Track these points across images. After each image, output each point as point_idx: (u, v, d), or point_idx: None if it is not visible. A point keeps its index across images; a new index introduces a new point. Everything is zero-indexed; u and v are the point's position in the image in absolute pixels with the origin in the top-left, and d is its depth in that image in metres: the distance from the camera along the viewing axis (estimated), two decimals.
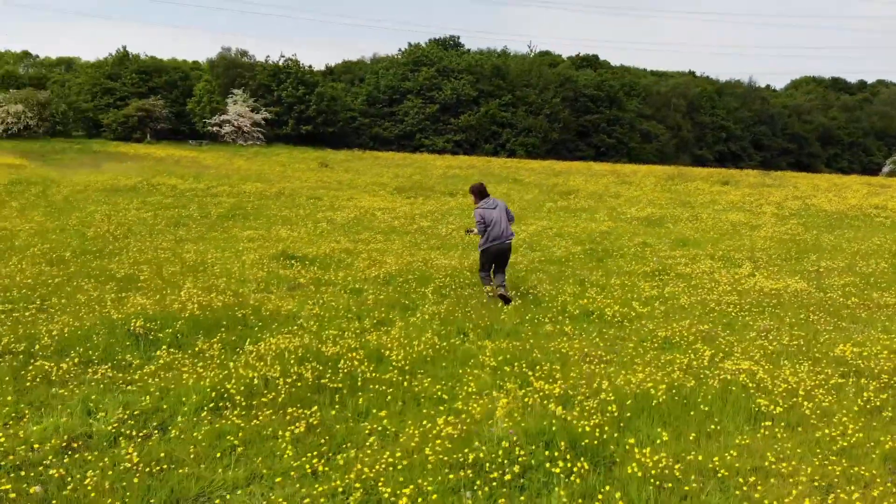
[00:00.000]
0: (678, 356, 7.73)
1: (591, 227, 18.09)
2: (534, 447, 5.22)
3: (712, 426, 5.83)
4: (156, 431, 5.70)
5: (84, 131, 55.05)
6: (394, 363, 7.05)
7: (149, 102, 53.78)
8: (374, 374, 6.78)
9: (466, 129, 59.62)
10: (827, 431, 5.76)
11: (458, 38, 75.89)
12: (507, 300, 9.69)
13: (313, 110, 55.39)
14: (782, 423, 5.93)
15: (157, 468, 4.97)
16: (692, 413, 6.06)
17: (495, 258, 10.03)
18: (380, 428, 5.78)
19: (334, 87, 61.70)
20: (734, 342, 8.42)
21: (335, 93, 59.92)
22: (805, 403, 6.28)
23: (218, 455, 5.23)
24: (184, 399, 6.17)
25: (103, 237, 13.15)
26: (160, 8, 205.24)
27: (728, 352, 8.01)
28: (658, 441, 5.45)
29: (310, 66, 59.23)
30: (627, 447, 5.30)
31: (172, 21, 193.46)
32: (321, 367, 6.81)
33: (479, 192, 10.36)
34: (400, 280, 10.80)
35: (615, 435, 5.52)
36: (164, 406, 6.10)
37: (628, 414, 5.91)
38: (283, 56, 58.84)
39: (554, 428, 5.44)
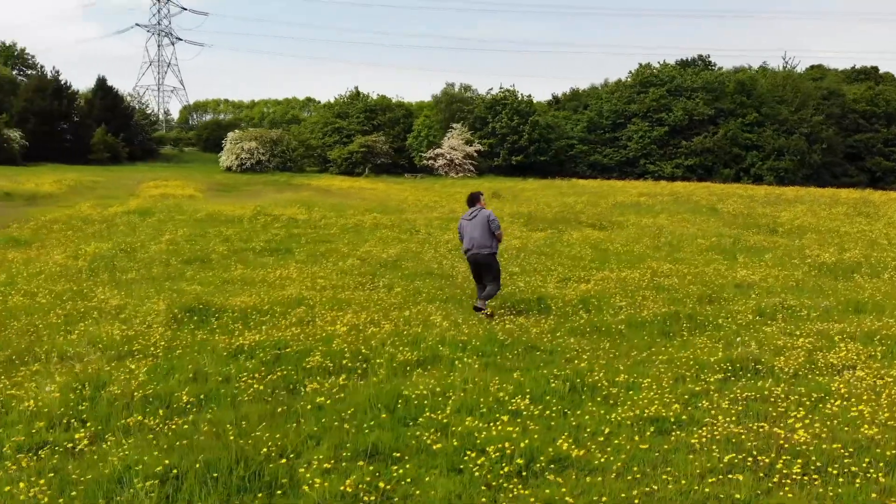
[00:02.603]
0: None
1: (732, 276, 12.64)
2: None
3: None
4: None
5: (317, 166, 58.15)
6: None
7: (371, 139, 55.22)
8: None
9: (701, 153, 52.41)
10: None
11: (708, 56, 67.75)
12: (478, 309, 9.39)
13: (525, 140, 52.59)
14: None
15: None
16: None
17: (473, 269, 9.84)
18: None
19: (556, 115, 58.48)
20: None
21: (556, 121, 56.68)
22: None
23: None
24: None
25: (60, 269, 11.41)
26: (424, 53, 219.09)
27: None
28: None
29: (528, 96, 56.66)
30: None
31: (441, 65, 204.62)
32: None
33: (468, 202, 10.08)
34: (264, 352, 7.23)
35: None
36: None
37: None
38: (502, 87, 57.07)
39: None
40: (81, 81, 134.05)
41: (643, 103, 54.76)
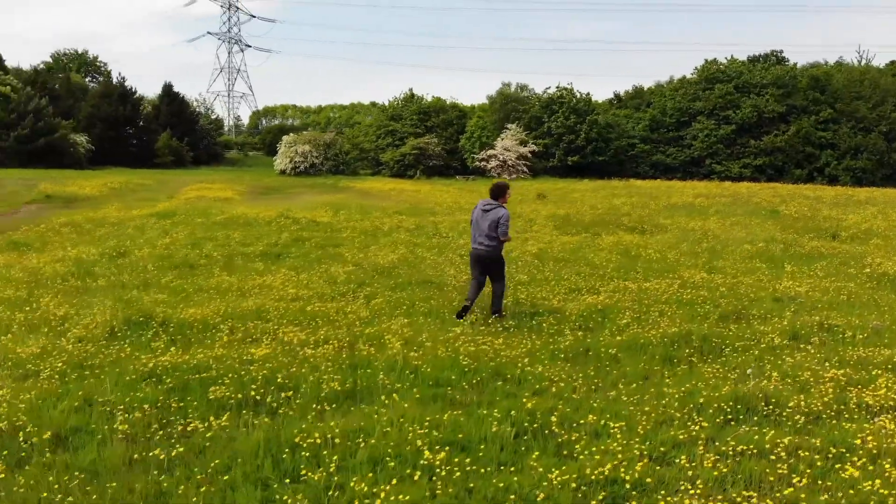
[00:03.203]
0: None
1: (773, 288, 11.02)
2: None
3: None
4: None
5: (370, 169, 57.65)
6: None
7: (423, 140, 54.37)
8: None
9: (771, 152, 49.43)
10: None
11: (781, 52, 63.92)
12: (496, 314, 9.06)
13: (582, 139, 50.75)
14: None
15: None
16: None
17: (472, 263, 9.39)
18: None
19: (616, 114, 56.31)
20: None
21: (616, 120, 54.55)
22: None
23: None
24: None
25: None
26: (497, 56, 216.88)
27: None
28: None
29: (587, 95, 54.62)
30: None
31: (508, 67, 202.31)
32: None
33: (492, 192, 9.35)
34: (174, 378, 6.23)
35: None
36: None
37: None
38: (559, 86, 55.22)
39: None
40: (154, 88, 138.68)
41: (709, 100, 52.05)
